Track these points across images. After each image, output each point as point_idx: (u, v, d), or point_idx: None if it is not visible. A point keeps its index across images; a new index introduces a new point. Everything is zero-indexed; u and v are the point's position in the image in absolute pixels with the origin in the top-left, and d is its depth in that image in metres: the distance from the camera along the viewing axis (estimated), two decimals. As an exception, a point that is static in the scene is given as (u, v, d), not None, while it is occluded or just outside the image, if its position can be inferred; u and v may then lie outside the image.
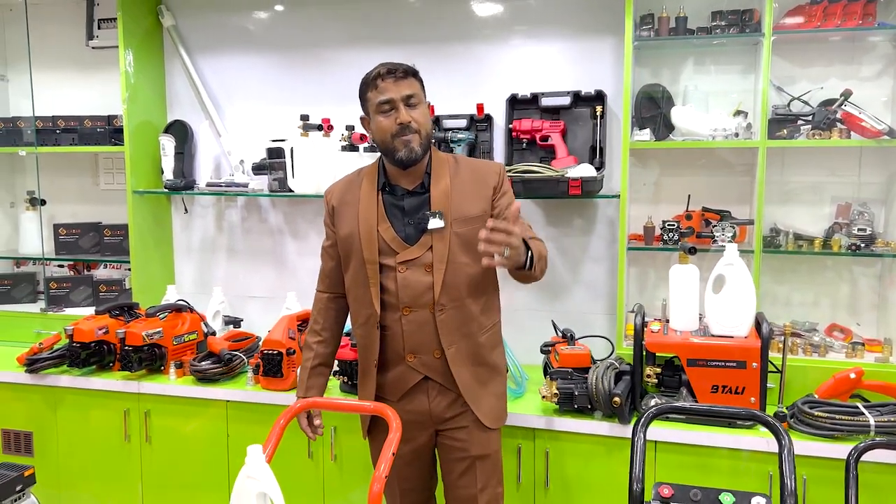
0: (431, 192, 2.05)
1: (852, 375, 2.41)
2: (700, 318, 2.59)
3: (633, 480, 1.75)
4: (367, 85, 2.04)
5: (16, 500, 2.13)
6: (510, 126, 2.94)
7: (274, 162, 3.12)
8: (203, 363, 2.88)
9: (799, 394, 2.51)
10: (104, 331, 2.95)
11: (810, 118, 2.63)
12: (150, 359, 2.89)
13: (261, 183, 3.23)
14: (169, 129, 3.38)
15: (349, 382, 2.73)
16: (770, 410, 2.40)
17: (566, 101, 2.89)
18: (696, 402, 2.42)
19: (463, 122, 3.03)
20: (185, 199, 3.49)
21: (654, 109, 2.82)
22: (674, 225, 2.76)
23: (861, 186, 2.73)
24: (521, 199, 2.69)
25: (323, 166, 3.05)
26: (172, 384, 2.87)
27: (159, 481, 2.94)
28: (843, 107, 2.60)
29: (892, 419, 2.24)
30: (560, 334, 2.70)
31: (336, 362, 2.86)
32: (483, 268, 1.95)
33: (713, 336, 2.48)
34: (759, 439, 2.30)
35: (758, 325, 2.46)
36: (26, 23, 3.43)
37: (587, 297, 3.04)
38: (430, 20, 3.11)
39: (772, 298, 2.83)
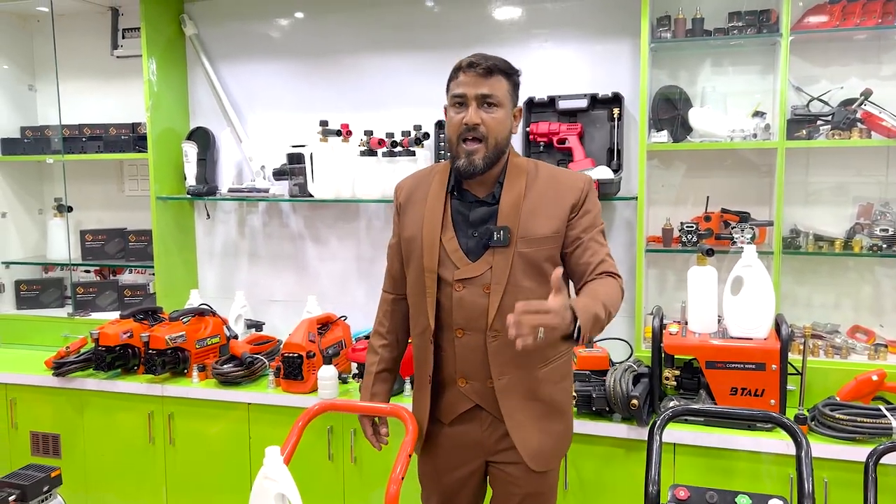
0: (500, 205, 1.85)
1: (874, 377, 2.39)
2: (719, 321, 2.58)
3: (650, 482, 1.75)
4: (452, 74, 1.86)
5: (43, 501, 2.17)
6: (527, 129, 2.95)
7: (294, 167, 3.16)
8: (225, 366, 2.91)
9: (820, 396, 2.48)
10: (129, 335, 3.00)
11: (830, 118, 2.61)
12: (173, 362, 2.94)
13: (281, 188, 3.27)
14: (191, 135, 3.44)
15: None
16: (791, 413, 2.38)
17: (583, 103, 2.89)
18: (716, 404, 2.41)
19: (480, 126, 3.04)
20: (208, 204, 3.54)
21: (671, 111, 2.82)
22: (692, 227, 2.75)
23: (882, 186, 2.70)
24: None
25: (342, 171, 3.09)
26: (195, 387, 2.91)
27: (183, 482, 2.99)
28: (863, 106, 2.58)
29: (915, 422, 2.22)
30: (578, 337, 2.70)
31: (354, 365, 2.90)
32: (548, 291, 1.70)
33: (732, 338, 2.47)
34: (780, 442, 2.29)
35: (777, 326, 2.44)
36: (53, 34, 3.51)
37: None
38: (448, 25, 3.13)
39: (793, 300, 2.81)
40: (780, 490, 2.28)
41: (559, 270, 1.63)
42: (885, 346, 2.62)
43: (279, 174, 3.23)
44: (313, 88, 3.34)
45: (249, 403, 2.85)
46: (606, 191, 2.71)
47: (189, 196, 3.35)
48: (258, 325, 3.37)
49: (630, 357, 2.71)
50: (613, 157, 2.89)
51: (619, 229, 2.99)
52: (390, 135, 3.04)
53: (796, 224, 2.76)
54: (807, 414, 2.37)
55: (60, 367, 3.03)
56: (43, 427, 3.14)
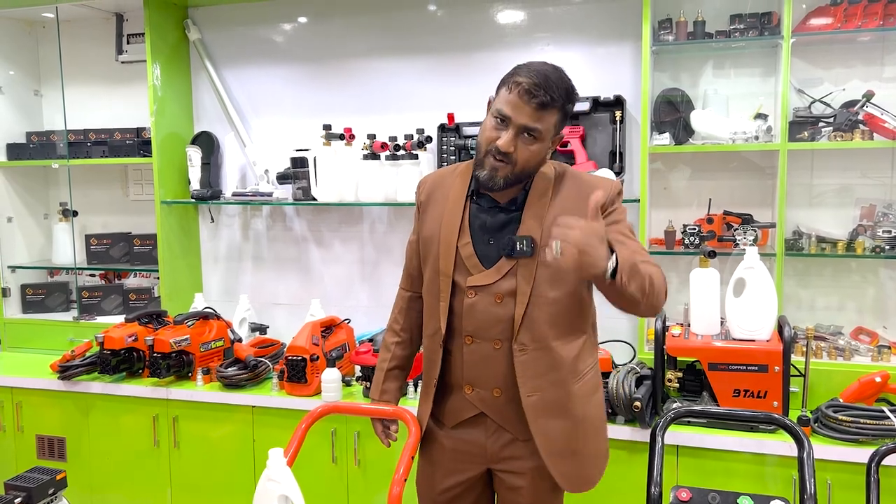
0: (524, 213, 1.79)
1: (878, 379, 2.39)
2: (721, 322, 2.58)
3: (651, 483, 1.75)
4: (507, 80, 1.73)
5: None
6: (530, 132, 2.95)
7: (298, 171, 3.18)
8: (229, 369, 2.93)
9: (824, 398, 2.49)
10: (133, 338, 3.02)
11: (832, 120, 2.62)
12: (178, 365, 2.96)
13: (285, 192, 3.29)
14: (196, 140, 3.46)
15: (370, 387, 2.76)
16: (793, 415, 2.38)
17: (585, 106, 2.90)
18: (718, 406, 2.41)
19: (483, 130, 3.05)
20: (212, 208, 3.56)
21: (673, 114, 2.82)
22: (695, 229, 2.75)
23: (884, 188, 2.70)
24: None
25: (345, 175, 3.10)
26: (200, 390, 2.93)
27: (187, 485, 3.00)
28: (865, 108, 2.58)
29: (919, 423, 2.22)
30: (581, 339, 2.71)
31: (357, 368, 2.91)
32: (574, 301, 1.76)
33: (734, 340, 2.47)
34: (782, 443, 2.29)
35: (780, 328, 2.45)
36: (58, 40, 3.53)
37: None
38: (451, 29, 3.14)
39: (796, 302, 2.81)
40: (783, 491, 2.28)
41: (623, 210, 1.74)
42: (889, 348, 2.62)
43: (283, 178, 3.25)
44: (317, 93, 3.36)
45: (253, 406, 2.86)
46: (609, 193, 2.71)
47: (193, 200, 3.37)
48: (262, 329, 3.38)
49: (633, 359, 2.71)
50: (616, 159, 2.89)
51: (622, 232, 2.99)
52: (393, 138, 3.05)
53: (799, 226, 2.76)
54: (810, 416, 2.37)
55: (66, 370, 3.05)
56: (48, 430, 3.16)
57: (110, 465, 3.09)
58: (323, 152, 3.10)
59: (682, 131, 2.80)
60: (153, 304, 3.50)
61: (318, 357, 2.80)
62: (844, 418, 2.27)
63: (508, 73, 1.75)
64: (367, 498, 2.77)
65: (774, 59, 2.73)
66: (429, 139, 3.02)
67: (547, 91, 1.66)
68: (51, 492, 2.18)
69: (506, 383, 1.80)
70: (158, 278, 3.43)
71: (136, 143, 3.44)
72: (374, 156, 3.07)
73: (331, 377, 2.73)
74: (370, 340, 2.91)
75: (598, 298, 1.79)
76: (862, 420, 2.26)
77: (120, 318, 3.21)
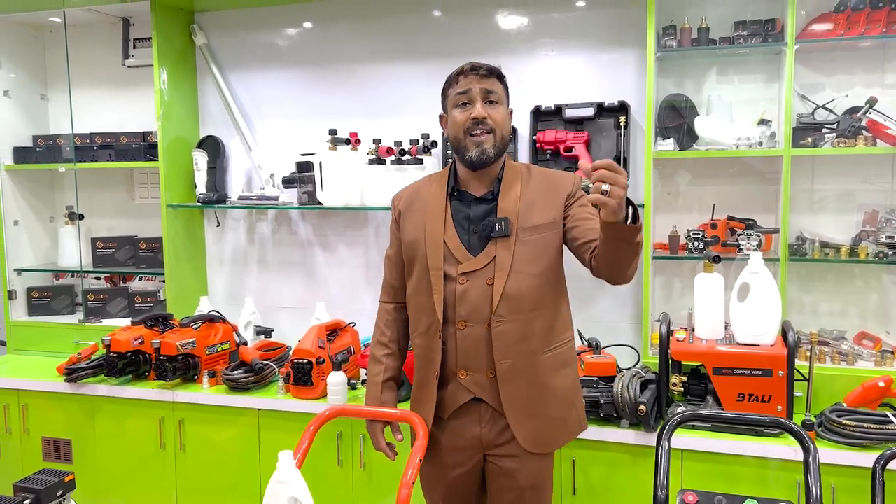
0: (500, 201, 1.96)
1: (881, 384, 2.40)
2: (726, 327, 2.59)
3: (658, 487, 1.76)
4: (449, 81, 1.98)
5: (57, 505, 2.20)
6: (534, 137, 2.98)
7: (303, 175, 3.19)
8: (235, 372, 2.94)
9: (827, 402, 2.50)
10: (140, 341, 3.03)
11: (835, 126, 2.63)
12: (183, 368, 2.97)
13: (290, 196, 3.31)
14: (202, 144, 3.48)
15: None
16: (798, 419, 2.39)
17: (590, 111, 2.92)
18: (723, 410, 2.43)
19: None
20: (218, 212, 3.57)
21: (677, 119, 2.84)
22: (699, 234, 2.76)
23: (887, 194, 2.72)
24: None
25: (351, 179, 3.11)
26: (206, 393, 2.94)
27: (193, 488, 3.01)
28: (868, 114, 2.60)
29: (922, 428, 2.23)
30: (586, 343, 2.72)
31: (363, 371, 2.92)
32: (550, 279, 1.93)
33: (739, 344, 2.49)
34: (787, 447, 2.30)
35: (784, 333, 2.46)
36: (66, 44, 3.55)
37: (612, 307, 3.05)
38: (455, 34, 3.16)
39: (799, 307, 2.82)
40: (787, 495, 2.29)
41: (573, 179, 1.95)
42: (892, 353, 2.63)
43: (288, 182, 3.27)
44: (322, 97, 3.38)
45: (259, 409, 2.87)
46: (613, 198, 2.72)
47: (199, 204, 3.38)
48: (267, 332, 3.40)
49: (637, 363, 2.72)
50: (620, 164, 2.89)
51: (626, 236, 3.00)
52: (398, 143, 3.07)
53: (802, 231, 2.78)
54: (814, 420, 2.38)
55: (72, 373, 3.06)
56: (55, 433, 3.17)
57: (116, 468, 3.10)
58: (328, 157, 3.12)
59: (686, 137, 2.82)
60: (159, 308, 3.51)
61: (323, 360, 2.81)
62: (848, 423, 2.28)
63: (444, 85, 2.01)
64: (373, 501, 2.78)
65: (778, 66, 2.75)
66: (434, 144, 3.03)
67: (482, 63, 1.94)
68: (59, 493, 2.19)
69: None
70: (164, 281, 3.45)
71: (143, 146, 3.46)
72: (379, 160, 3.08)
73: (336, 380, 2.74)
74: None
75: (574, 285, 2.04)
76: (866, 424, 2.27)
77: (125, 322, 3.23)
